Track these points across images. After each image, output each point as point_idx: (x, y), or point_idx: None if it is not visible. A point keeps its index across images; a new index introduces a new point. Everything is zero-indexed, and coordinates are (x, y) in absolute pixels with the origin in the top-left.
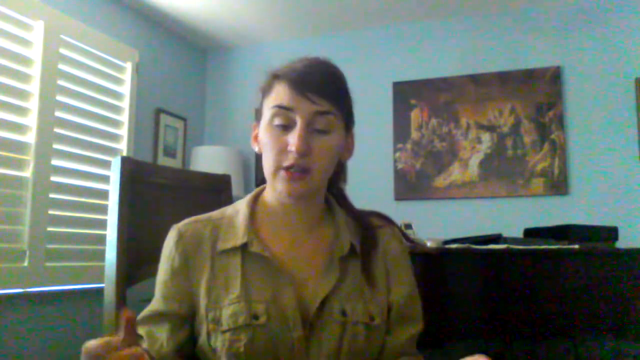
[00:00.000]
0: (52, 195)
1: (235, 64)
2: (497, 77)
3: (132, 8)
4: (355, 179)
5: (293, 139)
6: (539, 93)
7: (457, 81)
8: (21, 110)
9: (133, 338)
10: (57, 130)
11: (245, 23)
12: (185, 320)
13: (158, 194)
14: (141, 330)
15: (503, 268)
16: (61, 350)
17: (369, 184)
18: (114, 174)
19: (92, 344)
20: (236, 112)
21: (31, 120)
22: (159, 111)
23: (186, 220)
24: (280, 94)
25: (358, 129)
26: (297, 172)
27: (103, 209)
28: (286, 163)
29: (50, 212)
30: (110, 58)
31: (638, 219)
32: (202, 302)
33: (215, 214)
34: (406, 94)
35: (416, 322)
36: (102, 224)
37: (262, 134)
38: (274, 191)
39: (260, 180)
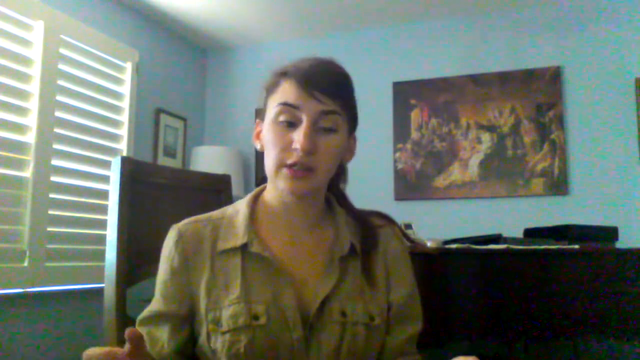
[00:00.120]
0: (52, 195)
1: (235, 64)
2: (497, 77)
3: (132, 8)
4: (355, 179)
5: (298, 137)
6: (539, 93)
7: (457, 81)
8: (21, 110)
9: (141, 354)
10: (57, 130)
11: (245, 23)
12: (185, 320)
13: (158, 194)
14: (142, 331)
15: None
16: (61, 350)
17: (369, 184)
18: (114, 174)
19: (94, 351)
20: (236, 112)
21: (31, 120)
22: (159, 111)
23: (186, 220)
24: (286, 91)
25: (358, 129)
26: (301, 170)
27: (103, 209)
28: (290, 161)
29: (50, 212)
30: (110, 58)
31: (638, 219)
32: (202, 302)
33: (215, 213)
34: (406, 94)
35: (416, 322)
36: (102, 224)
37: (265, 131)
38: (275, 189)
39: (260, 180)
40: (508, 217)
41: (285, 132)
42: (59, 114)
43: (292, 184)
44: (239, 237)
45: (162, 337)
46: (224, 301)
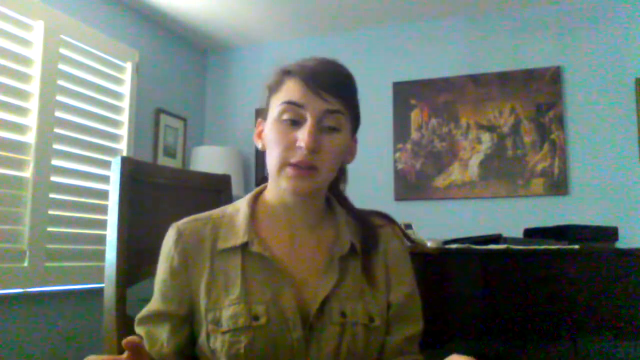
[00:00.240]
0: (52, 195)
1: (235, 64)
2: (497, 77)
3: (132, 8)
4: (355, 179)
5: (303, 135)
6: (539, 93)
7: (457, 81)
8: (21, 110)
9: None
10: (57, 130)
11: (245, 23)
12: (185, 320)
13: (158, 194)
14: (140, 331)
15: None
16: (61, 350)
17: (369, 184)
18: (114, 174)
19: (95, 359)
20: (236, 112)
21: (31, 120)
22: (159, 111)
23: (186, 219)
24: (291, 90)
25: (358, 129)
26: (305, 169)
27: (103, 209)
28: (294, 159)
29: (50, 212)
30: (110, 58)
31: (638, 219)
32: (202, 302)
33: (215, 212)
34: (406, 94)
35: (416, 322)
36: (102, 224)
37: (268, 130)
38: (276, 189)
39: (260, 180)
40: (508, 217)
41: (289, 131)
42: (59, 114)
43: (294, 183)
44: (240, 236)
45: (161, 336)
46: (224, 301)
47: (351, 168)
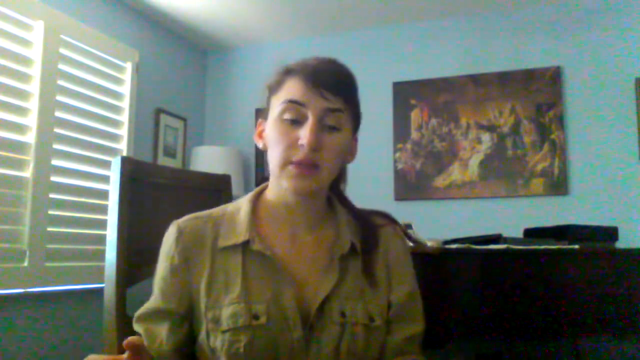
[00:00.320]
0: (52, 195)
1: (235, 64)
2: (497, 77)
3: (132, 8)
4: (355, 179)
5: (304, 133)
6: (539, 93)
7: (457, 81)
8: (21, 110)
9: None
10: (57, 130)
11: (245, 23)
12: (184, 318)
13: (158, 194)
14: (139, 328)
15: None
16: (61, 350)
17: (369, 184)
18: (114, 174)
19: (95, 359)
20: (236, 112)
21: (31, 120)
22: (159, 111)
23: (186, 217)
24: (292, 89)
25: (359, 129)
26: (306, 167)
27: (103, 209)
28: (296, 158)
29: (50, 212)
30: (110, 58)
31: (638, 219)
32: (202, 300)
33: (216, 210)
34: (406, 94)
35: (416, 322)
36: (102, 224)
37: (269, 129)
38: (278, 188)
39: (260, 180)
40: (508, 217)
41: (290, 130)
42: (59, 114)
43: (296, 182)
44: (241, 234)
45: (161, 333)
46: (224, 300)
47: (351, 168)
